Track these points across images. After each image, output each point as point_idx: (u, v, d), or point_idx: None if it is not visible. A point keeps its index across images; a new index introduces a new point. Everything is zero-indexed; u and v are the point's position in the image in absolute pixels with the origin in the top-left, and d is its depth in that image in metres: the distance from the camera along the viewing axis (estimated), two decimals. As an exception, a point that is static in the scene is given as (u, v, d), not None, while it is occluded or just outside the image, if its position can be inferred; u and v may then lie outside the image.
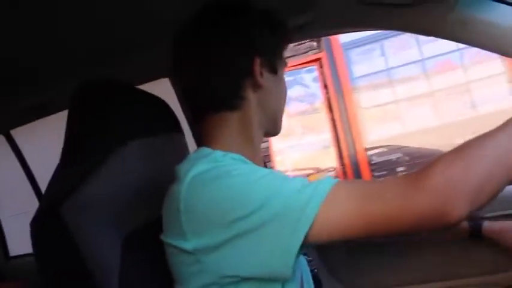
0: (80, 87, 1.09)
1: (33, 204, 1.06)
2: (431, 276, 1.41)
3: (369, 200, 0.75)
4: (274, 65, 1.03)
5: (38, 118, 1.89)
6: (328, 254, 1.57)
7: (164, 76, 1.82)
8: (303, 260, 1.06)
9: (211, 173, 0.86)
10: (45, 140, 3.72)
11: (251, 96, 1.00)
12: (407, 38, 6.64)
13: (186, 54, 1.01)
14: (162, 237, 0.93)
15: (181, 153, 1.02)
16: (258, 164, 0.99)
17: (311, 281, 1.07)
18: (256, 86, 0.99)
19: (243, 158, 0.95)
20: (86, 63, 1.44)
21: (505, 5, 1.11)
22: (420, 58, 6.63)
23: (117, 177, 1.03)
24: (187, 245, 0.84)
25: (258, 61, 0.98)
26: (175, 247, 0.88)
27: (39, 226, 0.95)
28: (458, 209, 0.69)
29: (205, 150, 0.97)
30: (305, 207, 0.76)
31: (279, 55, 1.06)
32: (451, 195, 0.69)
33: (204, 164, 0.89)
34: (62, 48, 1.35)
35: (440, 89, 6.72)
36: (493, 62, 6.35)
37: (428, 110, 6.92)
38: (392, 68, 6.63)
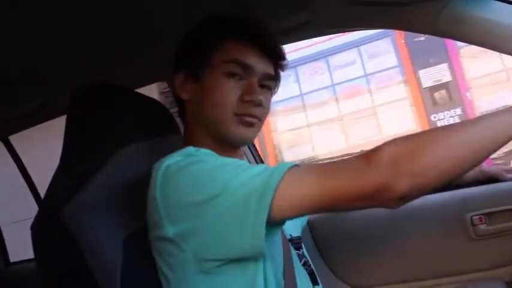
0: (78, 90, 1.06)
1: (33, 211, 1.01)
2: (433, 272, 1.41)
3: (326, 174, 0.80)
4: (199, 73, 1.01)
5: (36, 124, 1.84)
6: (327, 250, 1.55)
7: (162, 79, 1.79)
8: (293, 251, 1.07)
9: (183, 162, 0.89)
10: (43, 145, 3.66)
11: (186, 108, 1.06)
12: (320, 64, 6.94)
13: None
14: (149, 234, 0.94)
15: None
16: None
17: (304, 272, 1.08)
18: (185, 99, 1.05)
19: (214, 153, 0.96)
20: (84, 67, 1.38)
21: (498, 2, 1.13)
22: (331, 83, 6.93)
23: (117, 179, 1.02)
24: (167, 232, 0.86)
25: (178, 78, 1.03)
26: (158, 239, 0.89)
27: (40, 230, 0.94)
28: (400, 184, 0.73)
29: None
30: (267, 182, 0.79)
31: (202, 62, 1.01)
32: (395, 171, 0.73)
33: (177, 156, 0.91)
34: (60, 52, 1.30)
35: (349, 113, 7.02)
36: (397, 87, 6.77)
37: (338, 134, 7.20)
38: (305, 93, 6.91)
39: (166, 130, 1.19)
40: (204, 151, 0.95)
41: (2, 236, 2.34)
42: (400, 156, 0.74)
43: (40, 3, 1.03)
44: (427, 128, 6.69)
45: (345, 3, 1.24)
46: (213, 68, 0.99)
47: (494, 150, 0.77)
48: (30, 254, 0.97)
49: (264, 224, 0.79)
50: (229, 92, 0.99)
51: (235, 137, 1.00)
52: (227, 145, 1.02)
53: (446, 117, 6.68)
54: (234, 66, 0.99)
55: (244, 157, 1.72)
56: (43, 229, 0.94)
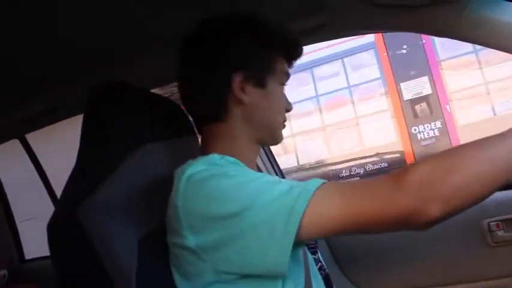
0: (95, 89, 1.05)
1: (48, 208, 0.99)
2: (449, 279, 1.38)
3: (354, 197, 0.77)
4: (262, 79, 0.99)
5: (50, 123, 1.81)
6: (342, 255, 1.52)
7: (167, 82, 1.74)
8: (309, 256, 1.06)
9: (208, 172, 0.87)
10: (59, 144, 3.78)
11: (234, 110, 0.99)
12: (305, 75, 6.96)
13: (180, 72, 1.04)
14: (167, 238, 0.92)
15: (195, 156, 0.97)
16: None
17: (319, 277, 1.07)
18: (238, 101, 0.97)
19: (238, 161, 0.94)
20: (96, 67, 1.34)
21: (518, 5, 1.12)
22: (315, 94, 6.96)
23: (133, 179, 1.00)
24: (188, 242, 0.84)
25: (237, 78, 0.96)
26: (178, 246, 0.87)
27: (55, 228, 0.94)
28: (433, 209, 0.70)
29: (202, 156, 0.97)
30: (294, 205, 0.76)
31: (267, 68, 1.01)
32: (426, 196, 0.70)
33: (201, 164, 0.89)
34: (71, 53, 1.26)
35: (332, 123, 7.05)
36: (379, 98, 6.82)
37: (321, 144, 7.22)
38: (290, 103, 6.83)
39: (183, 131, 1.16)
40: (229, 159, 0.93)
41: (18, 234, 2.37)
42: (430, 179, 0.71)
43: (48, 10, 1.02)
44: (407, 140, 6.73)
45: (362, 6, 1.20)
46: (275, 76, 1.00)
47: None
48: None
49: (290, 250, 0.77)
50: (282, 101, 1.03)
51: (279, 142, 1.05)
52: (260, 145, 1.05)
53: (427, 130, 6.75)
54: (286, 77, 1.03)
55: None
56: (59, 228, 0.93)
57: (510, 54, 1.15)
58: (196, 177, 0.86)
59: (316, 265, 1.09)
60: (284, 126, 1.05)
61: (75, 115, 1.63)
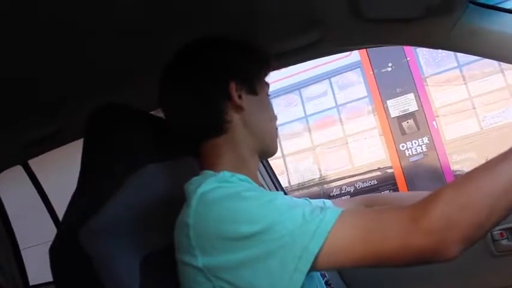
0: (95, 112, 1.07)
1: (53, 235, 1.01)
2: None
3: (371, 236, 0.77)
4: (254, 87, 1.04)
5: (54, 147, 1.82)
6: (348, 275, 1.51)
7: None
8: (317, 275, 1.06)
9: (221, 191, 0.87)
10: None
11: (235, 118, 1.01)
12: (293, 96, 6.99)
13: (167, 92, 1.06)
14: (176, 255, 0.92)
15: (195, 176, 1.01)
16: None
17: None
18: (237, 108, 1.00)
19: (249, 179, 0.96)
20: (96, 93, 1.37)
21: (511, 14, 1.12)
22: (304, 115, 6.98)
23: (134, 201, 1.02)
24: (197, 262, 0.84)
25: (233, 85, 1.00)
26: (186, 264, 0.87)
27: (57, 252, 0.94)
28: (454, 248, 0.71)
29: (210, 172, 0.97)
30: (309, 241, 0.76)
31: (257, 78, 1.07)
32: (447, 236, 0.70)
33: (213, 182, 0.89)
34: (73, 80, 1.30)
35: (321, 143, 7.05)
36: (366, 117, 6.85)
37: (311, 164, 7.21)
38: (280, 125, 6.81)
39: (183, 151, 1.16)
40: (239, 176, 0.94)
41: (22, 260, 2.38)
42: (453, 217, 0.70)
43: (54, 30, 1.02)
44: (395, 157, 6.75)
45: (355, 21, 1.22)
46: (262, 85, 1.06)
47: None
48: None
49: (300, 284, 0.77)
50: (272, 109, 1.09)
51: (275, 151, 1.09)
52: (259, 157, 1.07)
53: (414, 146, 6.76)
54: (268, 88, 1.09)
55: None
56: (61, 252, 0.94)
57: (503, 63, 1.16)
58: (209, 196, 0.85)
59: (323, 279, 1.09)
60: (277, 135, 1.10)
61: (79, 138, 1.67)
